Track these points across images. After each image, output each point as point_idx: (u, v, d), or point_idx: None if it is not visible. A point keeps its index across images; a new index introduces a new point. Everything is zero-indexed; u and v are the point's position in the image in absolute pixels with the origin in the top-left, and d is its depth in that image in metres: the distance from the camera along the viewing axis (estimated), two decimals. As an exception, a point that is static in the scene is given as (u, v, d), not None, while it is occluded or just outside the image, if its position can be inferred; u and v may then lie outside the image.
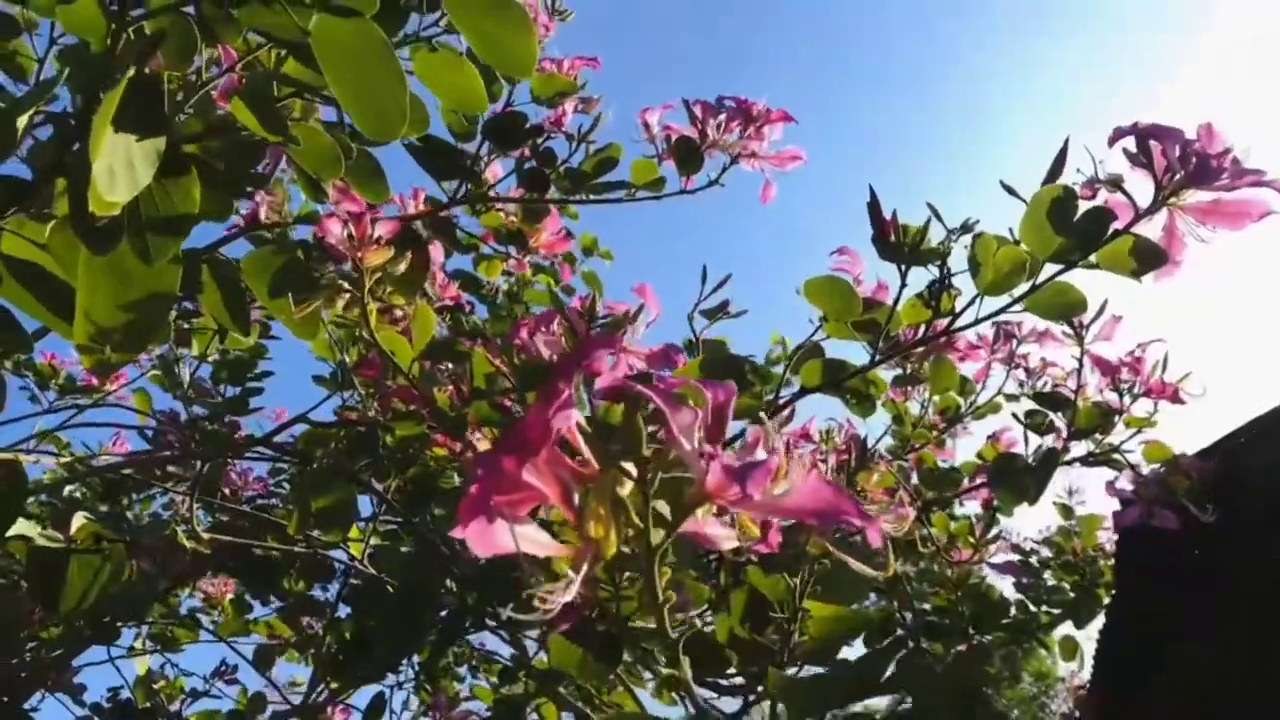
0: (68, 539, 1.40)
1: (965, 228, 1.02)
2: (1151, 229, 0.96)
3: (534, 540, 0.47)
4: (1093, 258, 0.96)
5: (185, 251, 1.27)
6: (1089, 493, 2.25)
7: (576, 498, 0.48)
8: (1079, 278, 0.99)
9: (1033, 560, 1.98)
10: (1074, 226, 0.94)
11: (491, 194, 1.46)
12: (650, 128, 1.40)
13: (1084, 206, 0.95)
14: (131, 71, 0.75)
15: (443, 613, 1.55)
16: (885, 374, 1.47)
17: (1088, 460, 1.36)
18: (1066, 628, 2.07)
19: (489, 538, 0.46)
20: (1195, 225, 0.94)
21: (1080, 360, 1.33)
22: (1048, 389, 1.44)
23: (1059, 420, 1.42)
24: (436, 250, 1.49)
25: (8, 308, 0.95)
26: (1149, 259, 0.95)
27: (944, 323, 1.07)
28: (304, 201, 1.51)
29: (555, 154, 1.42)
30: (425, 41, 1.03)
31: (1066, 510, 2.06)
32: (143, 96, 0.77)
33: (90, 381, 1.90)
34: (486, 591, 1.50)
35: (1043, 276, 0.99)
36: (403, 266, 1.16)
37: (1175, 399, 1.36)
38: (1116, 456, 1.39)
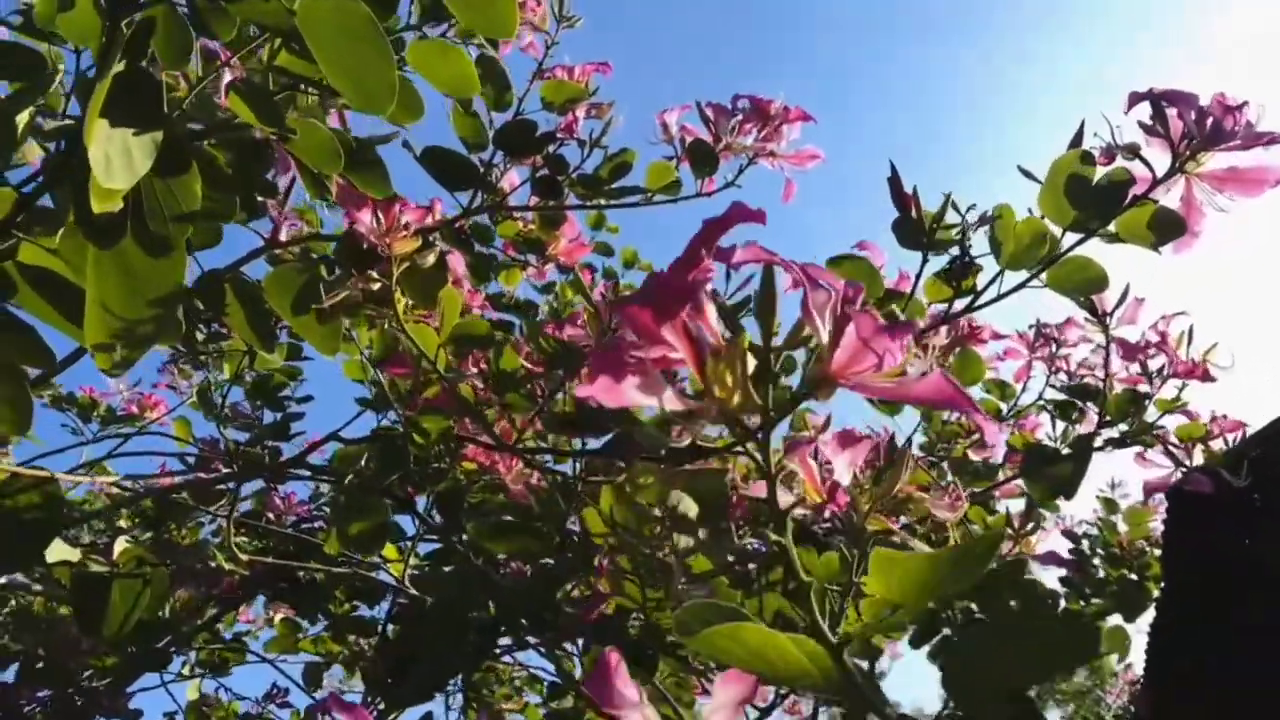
0: (111, 563, 1.42)
1: (984, 219, 1.00)
2: (1169, 199, 0.93)
3: (659, 394, 0.49)
4: (1112, 227, 0.93)
5: (208, 272, 1.30)
6: (1133, 485, 2.19)
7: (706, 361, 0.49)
8: (1099, 252, 0.96)
9: (1084, 545, 1.93)
10: (1092, 193, 0.92)
11: (508, 203, 1.45)
12: (668, 128, 1.39)
13: (1101, 172, 0.92)
14: (123, 63, 0.76)
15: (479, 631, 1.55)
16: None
17: (1121, 442, 1.32)
18: (1116, 619, 2.02)
19: (617, 391, 0.48)
20: (1212, 193, 0.92)
21: (1106, 347, 1.29)
22: (1075, 381, 1.40)
23: (1091, 410, 1.38)
24: (456, 260, 1.50)
25: (33, 325, 0.98)
26: (1168, 228, 0.92)
27: (965, 302, 1.04)
28: (336, 227, 1.54)
29: (567, 160, 1.42)
30: (415, 30, 1.04)
31: (1111, 504, 2.00)
32: (138, 88, 0.78)
33: (130, 410, 1.94)
34: (528, 603, 1.49)
35: (1064, 251, 0.96)
36: (431, 259, 1.16)
37: (1205, 377, 1.31)
38: (1147, 437, 1.35)
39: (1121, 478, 2.23)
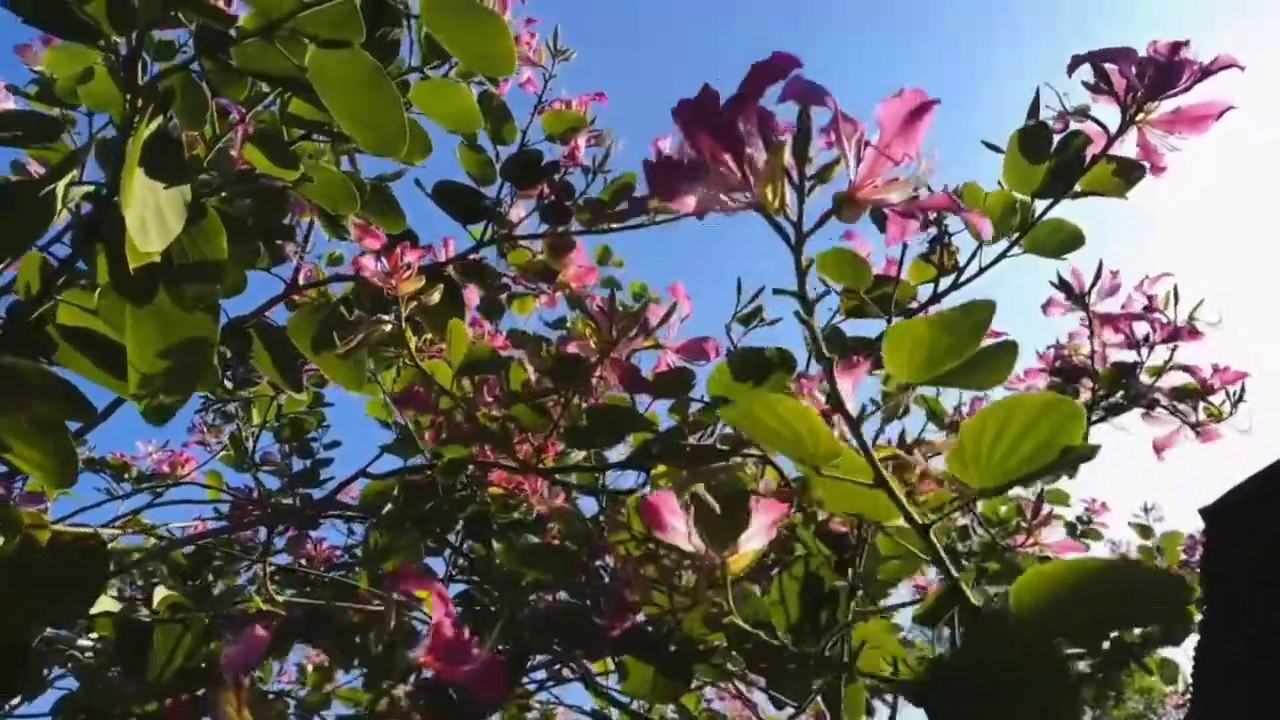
0: (151, 611, 1.46)
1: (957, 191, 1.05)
2: (1126, 149, 0.98)
3: (712, 198, 0.57)
4: (1077, 186, 0.98)
5: (234, 319, 1.36)
6: (1166, 508, 2.19)
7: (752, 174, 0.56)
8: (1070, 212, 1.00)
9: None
10: (1051, 157, 0.97)
11: (517, 233, 1.52)
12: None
13: (1058, 138, 0.97)
14: (150, 127, 0.82)
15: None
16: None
17: (1117, 409, 1.32)
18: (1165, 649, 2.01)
19: (681, 198, 0.56)
20: (1164, 136, 0.97)
21: (1089, 324, 1.31)
22: (1059, 362, 1.42)
23: (1084, 389, 1.39)
24: (471, 295, 1.56)
25: (71, 382, 1.03)
26: (1130, 175, 0.97)
27: (950, 280, 1.09)
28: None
29: (573, 186, 1.48)
30: (418, 71, 1.11)
31: (1145, 530, 2.01)
32: (163, 150, 0.85)
33: (161, 470, 1.99)
34: (561, 632, 1.51)
35: (1037, 218, 1.01)
36: (435, 296, 1.22)
37: (1192, 335, 1.31)
38: (1145, 400, 1.35)
39: (1154, 501, 2.24)
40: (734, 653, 1.21)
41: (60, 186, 0.95)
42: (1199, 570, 1.92)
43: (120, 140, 0.87)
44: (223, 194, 1.11)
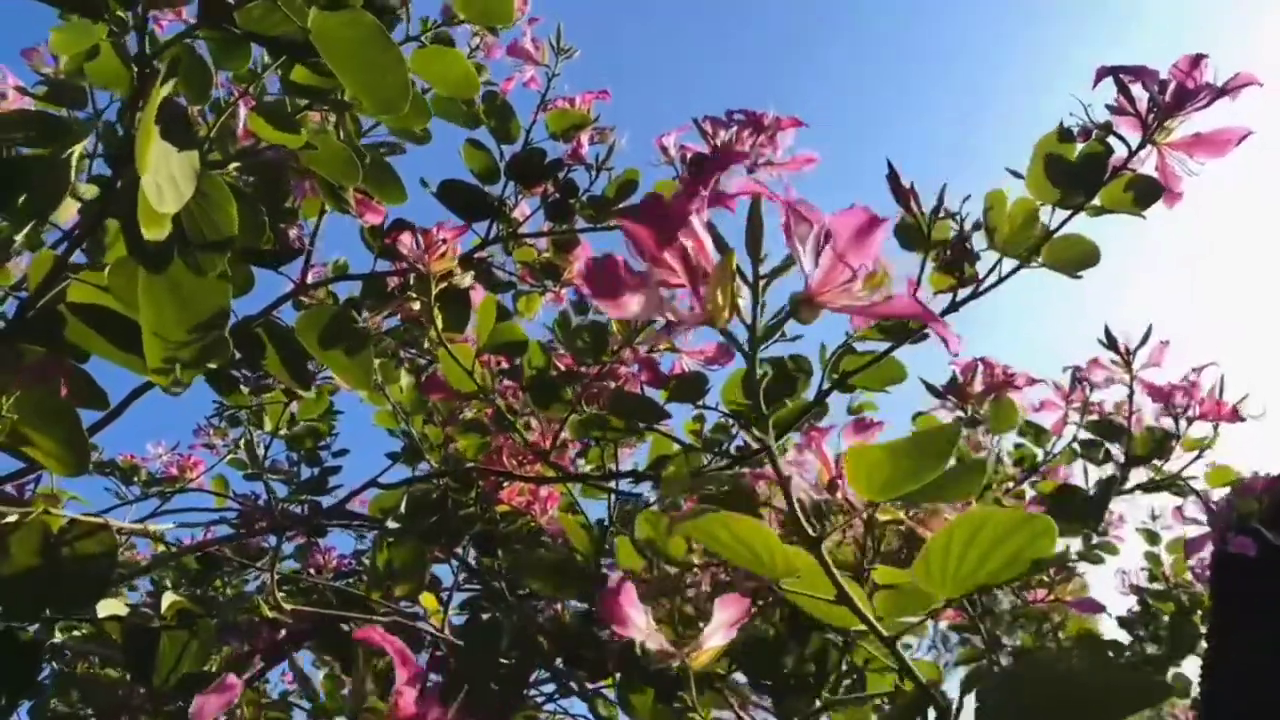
0: (159, 616, 1.45)
1: (977, 225, 1.05)
2: (1145, 169, 0.98)
3: (656, 305, 0.54)
4: (1096, 200, 0.98)
5: (242, 319, 1.36)
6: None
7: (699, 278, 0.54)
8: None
9: (1148, 600, 1.92)
10: (1073, 168, 0.97)
11: (522, 230, 1.52)
12: (668, 150, 1.45)
13: (1080, 149, 0.97)
14: (161, 94, 0.83)
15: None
16: (944, 416, 1.46)
17: (1148, 487, 1.33)
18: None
19: (619, 301, 0.53)
20: (1184, 160, 0.97)
21: (1130, 387, 1.31)
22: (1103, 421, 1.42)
23: (1116, 451, 1.39)
24: (477, 293, 1.55)
25: (84, 369, 1.03)
26: (1147, 193, 0.98)
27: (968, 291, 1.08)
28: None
29: (576, 184, 1.48)
30: (415, 40, 1.10)
31: (1152, 536, 1.99)
32: (172, 118, 0.85)
33: (170, 473, 1.99)
34: (565, 641, 1.50)
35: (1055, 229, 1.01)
36: (468, 279, 1.22)
37: (1234, 418, 1.33)
38: (1179, 482, 1.36)
39: (1161, 508, 2.22)
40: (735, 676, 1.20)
41: (75, 155, 0.95)
42: (1208, 581, 1.90)
43: (130, 112, 0.88)
44: (230, 168, 1.12)
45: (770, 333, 0.54)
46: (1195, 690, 1.98)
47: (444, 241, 1.17)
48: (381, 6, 1.07)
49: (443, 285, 1.19)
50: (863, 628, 0.60)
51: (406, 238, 1.15)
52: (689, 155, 1.34)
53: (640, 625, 0.60)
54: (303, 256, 1.44)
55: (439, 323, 1.18)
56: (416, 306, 1.18)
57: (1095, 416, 1.50)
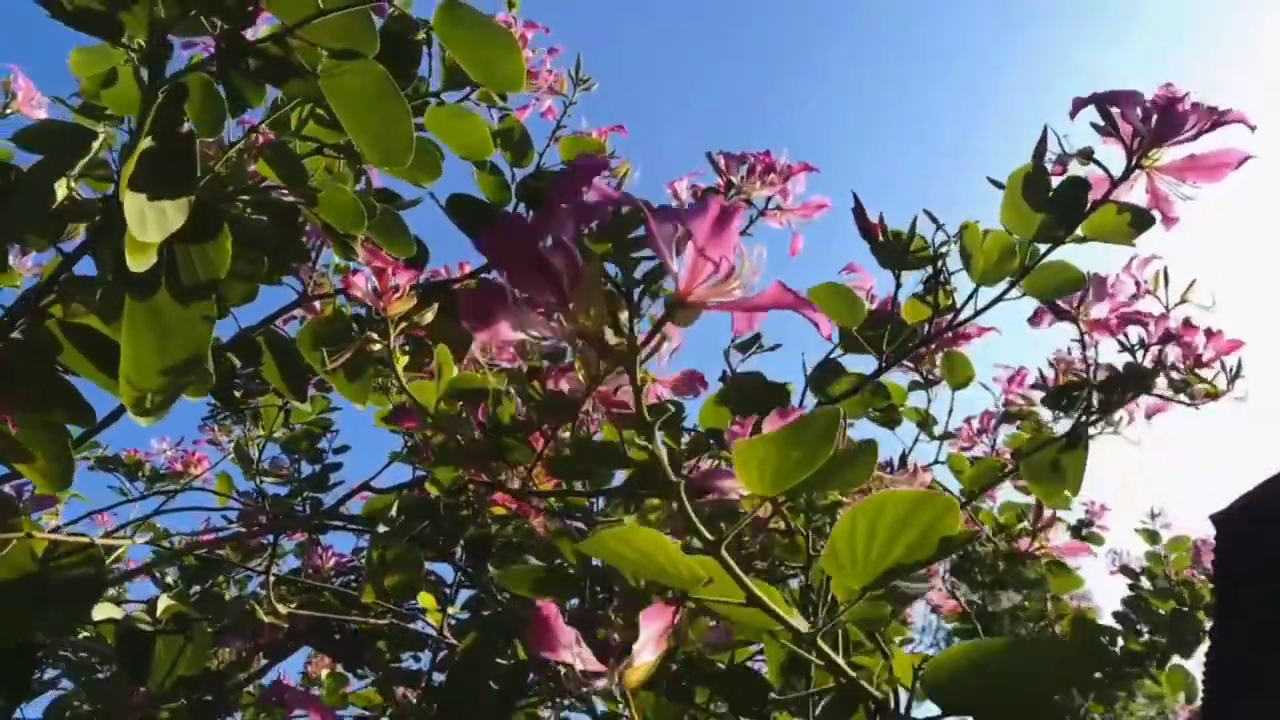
0: (155, 619, 1.46)
1: (956, 235, 1.03)
2: (1135, 195, 0.95)
3: (531, 325, 0.54)
4: (1080, 231, 0.96)
5: (244, 329, 1.37)
6: (1173, 515, 2.16)
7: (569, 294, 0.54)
8: (1074, 255, 0.98)
9: (1142, 580, 1.90)
10: (1051, 202, 0.95)
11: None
12: (679, 195, 1.45)
13: (1058, 181, 0.95)
14: (160, 126, 0.83)
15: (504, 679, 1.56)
16: (901, 379, 1.44)
17: (1106, 407, 1.27)
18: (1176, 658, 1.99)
19: (490, 325, 0.54)
20: (1176, 184, 0.94)
21: (1081, 339, 1.26)
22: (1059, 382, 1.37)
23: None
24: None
25: (72, 385, 1.04)
26: (1136, 223, 0.95)
27: (946, 320, 1.07)
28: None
29: (587, 210, 1.47)
30: (435, 97, 1.10)
31: (1152, 535, 1.99)
32: (173, 151, 0.86)
33: (175, 468, 2.01)
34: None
35: (1038, 260, 0.99)
36: (429, 316, 1.21)
37: (1187, 329, 1.24)
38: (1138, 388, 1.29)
39: (1161, 507, 2.21)
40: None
41: (60, 185, 0.95)
42: (1212, 576, 1.89)
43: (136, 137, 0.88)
44: (240, 206, 1.12)
45: (650, 339, 0.54)
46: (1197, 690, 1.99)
47: (397, 288, 1.15)
48: (402, 55, 1.07)
49: (403, 325, 1.19)
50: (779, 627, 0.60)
51: (359, 281, 1.15)
52: (699, 194, 1.34)
53: (567, 645, 0.60)
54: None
55: (400, 365, 1.18)
56: (377, 348, 1.18)
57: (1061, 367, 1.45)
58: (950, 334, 1.12)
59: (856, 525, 0.57)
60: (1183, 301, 1.24)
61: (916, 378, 1.36)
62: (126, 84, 1.01)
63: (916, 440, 1.38)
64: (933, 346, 1.23)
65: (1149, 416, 1.33)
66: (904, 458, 1.12)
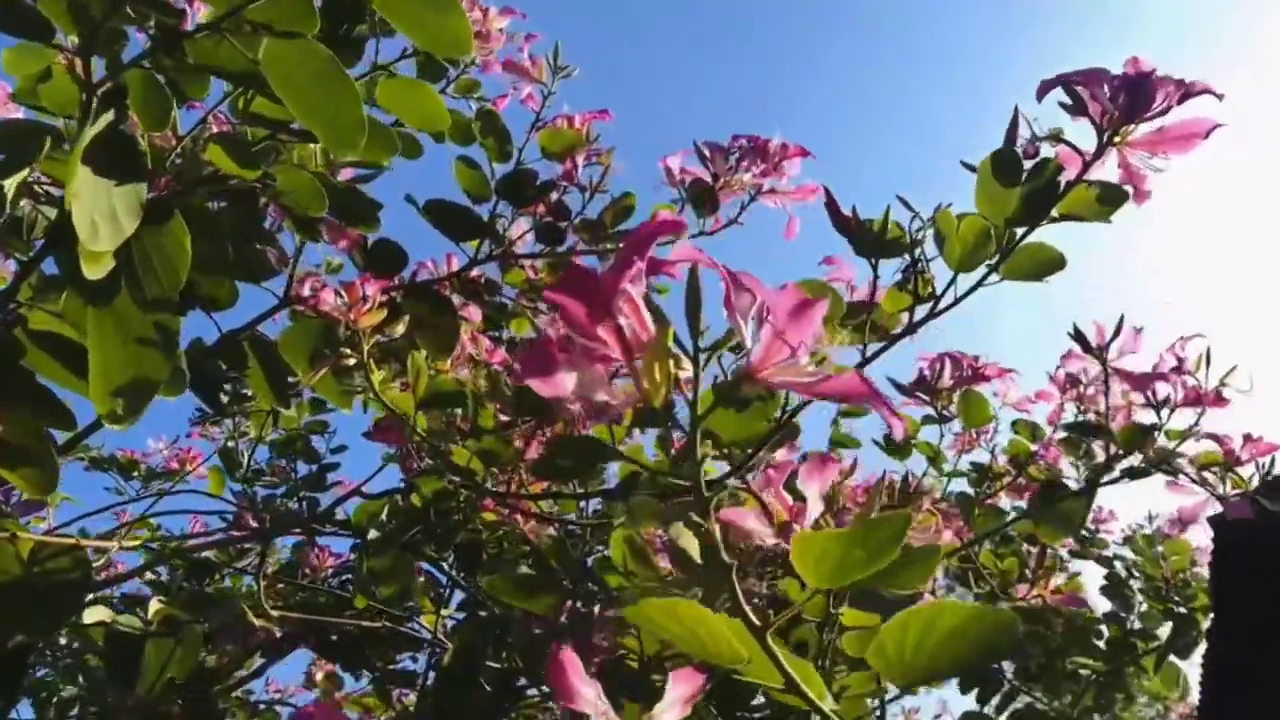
0: (145, 622, 1.45)
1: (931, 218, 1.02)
2: (1107, 172, 0.94)
3: (594, 385, 0.52)
4: (1055, 212, 0.95)
5: (227, 332, 1.35)
6: (1169, 517, 2.12)
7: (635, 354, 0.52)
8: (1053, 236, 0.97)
9: (1120, 572, 1.87)
10: (1023, 184, 0.93)
11: (517, 251, 1.49)
12: (672, 173, 1.42)
13: (1029, 164, 0.94)
14: (102, 122, 0.81)
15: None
16: (914, 413, 1.43)
17: (1139, 473, 1.28)
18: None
19: (553, 382, 0.52)
20: (1148, 158, 0.93)
21: (1105, 380, 1.26)
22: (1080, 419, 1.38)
23: (1097, 447, 1.35)
24: (473, 313, 1.54)
25: (51, 390, 1.03)
26: (1111, 200, 0.94)
27: (925, 309, 1.05)
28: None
29: (569, 207, 1.46)
30: (383, 70, 1.08)
31: (1149, 539, 1.96)
32: (117, 147, 0.83)
33: (170, 466, 2.01)
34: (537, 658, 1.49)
35: (1015, 243, 0.97)
36: (400, 328, 1.20)
37: (1216, 402, 1.26)
38: (1167, 465, 1.30)
39: (1158, 510, 2.18)
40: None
41: (11, 184, 0.94)
42: (1208, 579, 1.86)
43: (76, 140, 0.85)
44: (197, 195, 1.10)
45: (711, 410, 0.52)
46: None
47: (367, 299, 1.14)
48: (347, 38, 1.05)
49: (376, 338, 1.17)
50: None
51: (327, 295, 1.14)
52: (690, 180, 1.32)
53: (589, 699, 0.58)
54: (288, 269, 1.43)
55: (376, 378, 1.17)
56: (351, 362, 1.17)
57: (1082, 407, 1.46)
58: (970, 368, 1.12)
59: (908, 630, 0.56)
60: (1222, 385, 1.24)
61: (931, 412, 1.35)
62: (62, 81, 0.99)
63: (924, 474, 1.37)
64: (950, 385, 1.23)
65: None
66: (916, 484, 1.09)
